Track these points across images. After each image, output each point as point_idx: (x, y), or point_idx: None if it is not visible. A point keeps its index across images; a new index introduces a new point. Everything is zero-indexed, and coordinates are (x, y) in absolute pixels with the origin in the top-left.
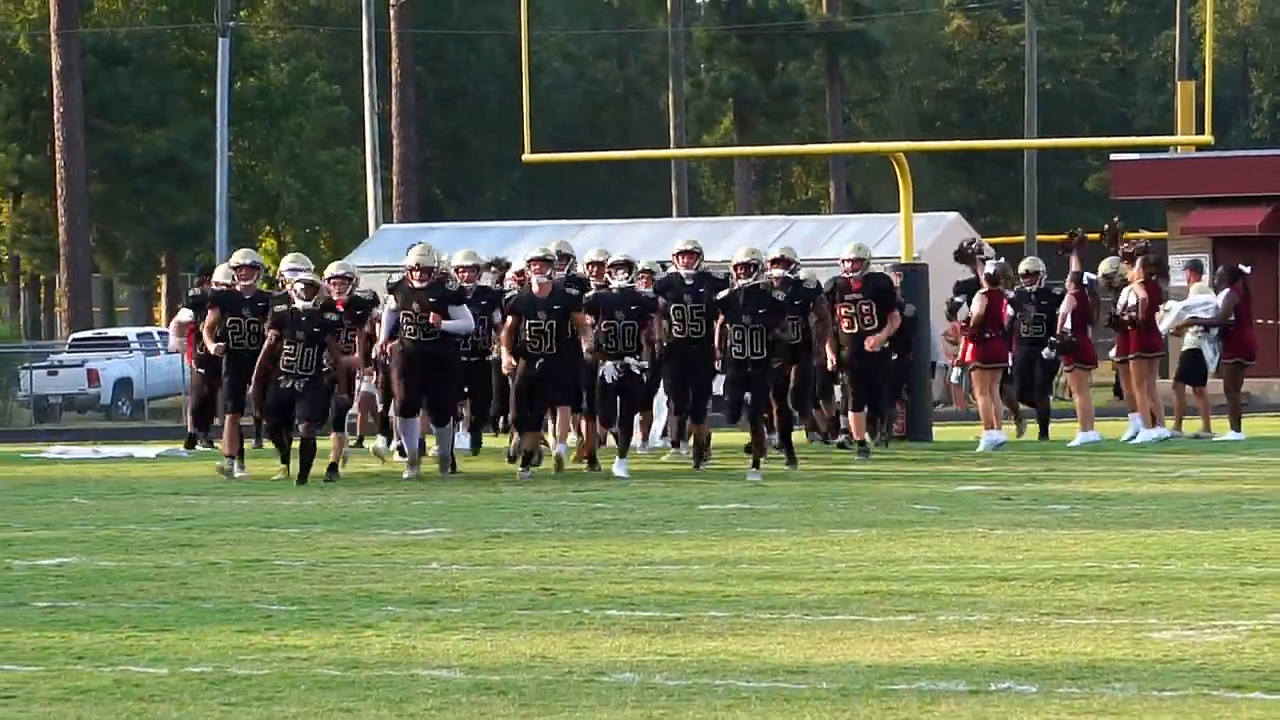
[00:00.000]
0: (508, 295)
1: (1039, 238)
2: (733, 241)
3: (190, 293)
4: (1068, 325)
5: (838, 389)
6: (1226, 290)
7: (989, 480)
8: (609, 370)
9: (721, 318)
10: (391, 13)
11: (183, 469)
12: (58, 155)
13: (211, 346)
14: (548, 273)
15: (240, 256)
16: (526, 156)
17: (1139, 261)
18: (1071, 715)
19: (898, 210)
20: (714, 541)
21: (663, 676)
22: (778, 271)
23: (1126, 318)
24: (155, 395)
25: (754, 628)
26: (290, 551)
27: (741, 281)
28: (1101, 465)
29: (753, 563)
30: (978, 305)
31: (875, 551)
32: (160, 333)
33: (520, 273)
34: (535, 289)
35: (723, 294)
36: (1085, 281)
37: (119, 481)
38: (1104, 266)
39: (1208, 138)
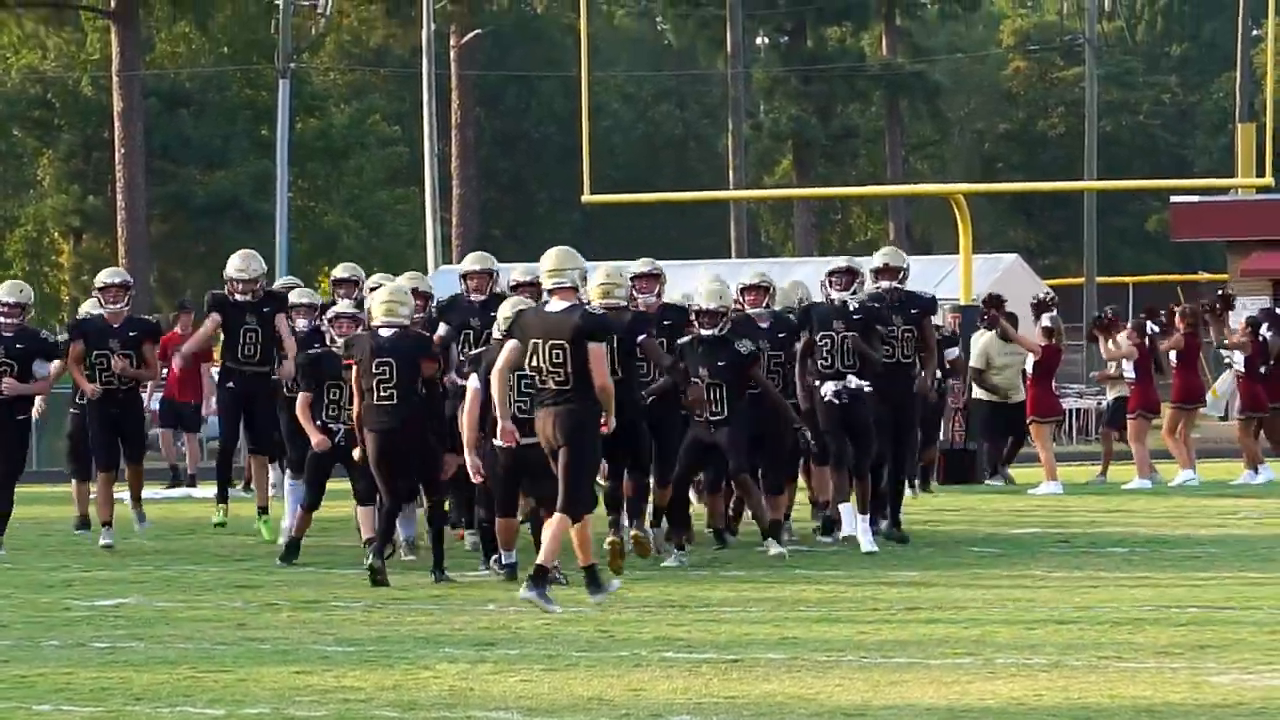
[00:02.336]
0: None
1: (1098, 279)
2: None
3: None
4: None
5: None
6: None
7: (1046, 524)
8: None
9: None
10: (451, 55)
11: (241, 509)
12: (119, 196)
13: (86, 388)
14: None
15: (107, 275)
16: (585, 198)
17: (1178, 312)
18: None
19: (957, 252)
20: (771, 583)
21: (720, 719)
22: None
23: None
24: (214, 436)
25: (811, 670)
26: (348, 593)
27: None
28: (1160, 508)
29: (810, 605)
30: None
31: (933, 594)
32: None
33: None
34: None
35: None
36: (1148, 330)
37: (178, 522)
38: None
39: (1268, 180)
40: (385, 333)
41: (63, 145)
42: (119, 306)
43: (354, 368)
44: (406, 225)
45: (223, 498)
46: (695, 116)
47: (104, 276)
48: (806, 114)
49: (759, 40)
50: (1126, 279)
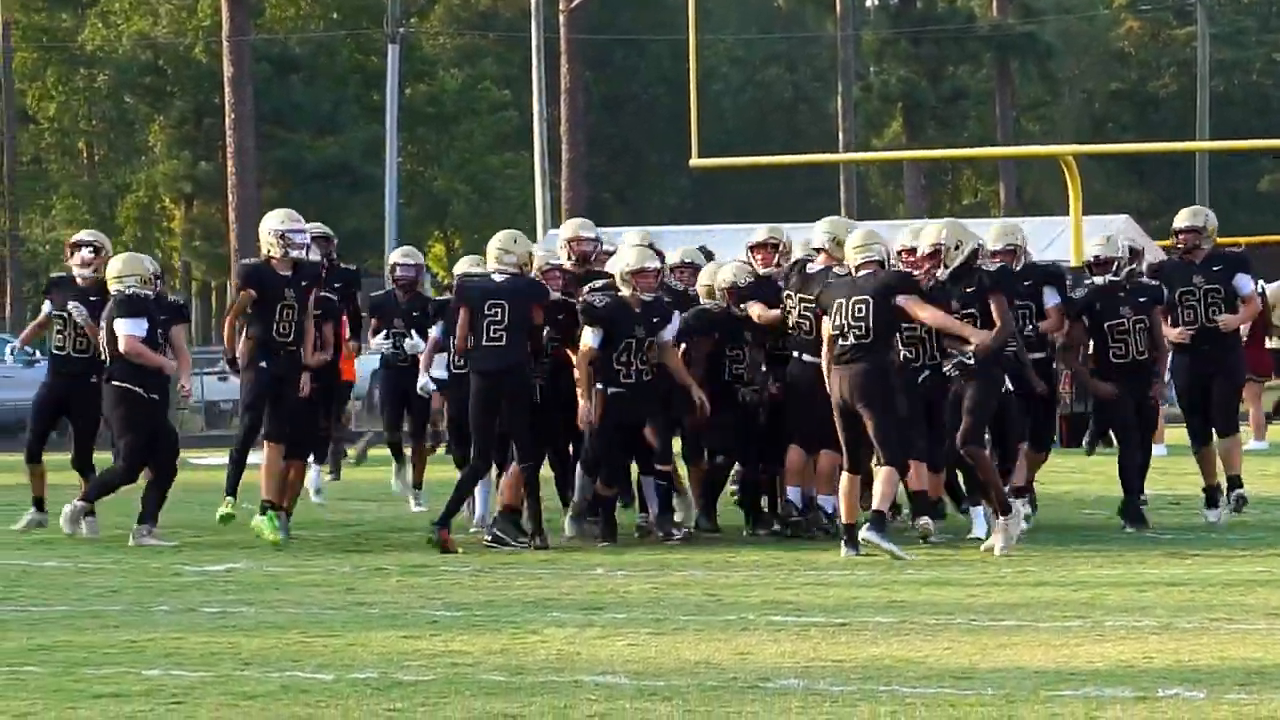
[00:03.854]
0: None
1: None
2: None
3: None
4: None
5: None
6: None
7: (1157, 485)
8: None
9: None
10: (561, 19)
11: (350, 473)
12: (229, 162)
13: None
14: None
15: (86, 234)
16: (694, 161)
17: None
18: None
19: (1067, 213)
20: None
21: (827, 682)
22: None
23: None
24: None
25: (919, 633)
26: (456, 558)
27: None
28: (1273, 470)
29: (918, 568)
30: None
31: (1041, 556)
32: None
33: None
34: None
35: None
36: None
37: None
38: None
39: None
40: (498, 278)
41: (174, 111)
42: (88, 271)
43: (462, 314)
44: (516, 190)
45: (232, 490)
46: (804, 79)
47: (83, 236)
48: (916, 76)
49: (868, 2)
50: (1240, 240)
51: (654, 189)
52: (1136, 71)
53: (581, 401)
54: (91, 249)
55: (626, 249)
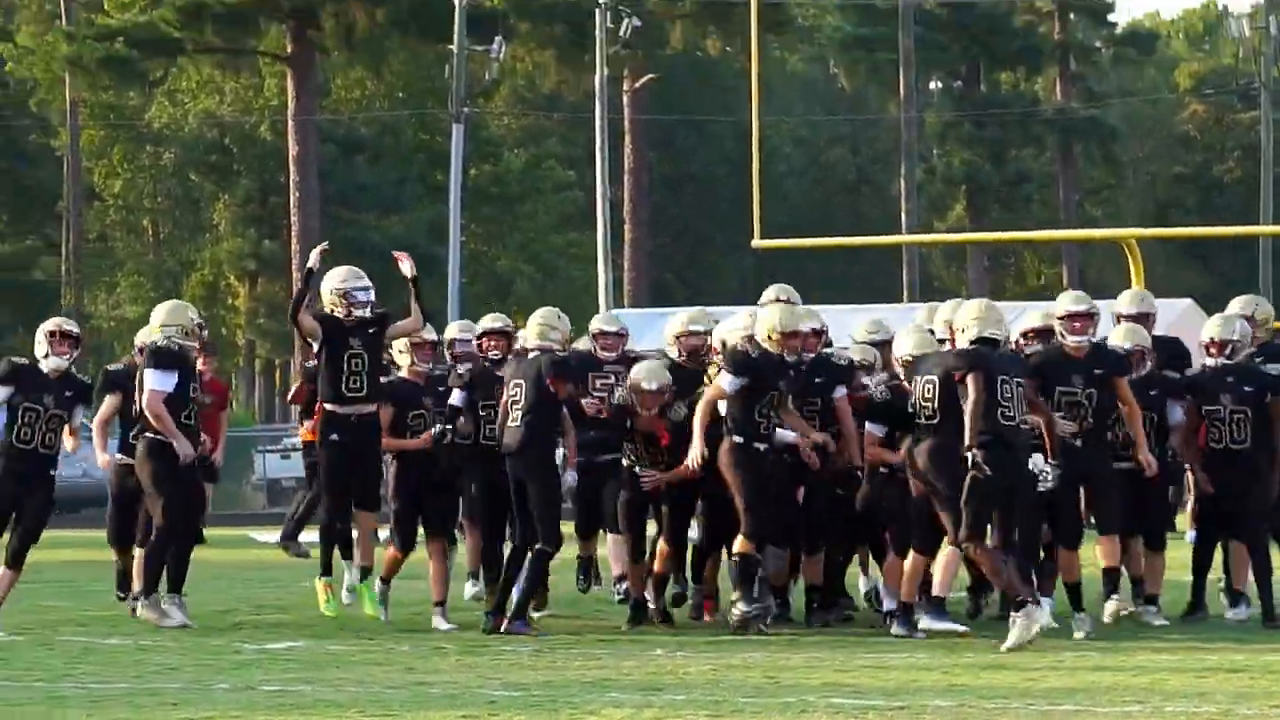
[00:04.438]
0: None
1: (1275, 324)
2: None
3: None
4: None
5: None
6: None
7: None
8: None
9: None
10: (625, 99)
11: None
12: (294, 241)
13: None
14: None
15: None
16: (756, 242)
17: None
18: None
19: None
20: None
21: None
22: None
23: None
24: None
25: (978, 716)
26: (515, 637)
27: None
28: None
29: (978, 652)
30: None
31: (1101, 641)
32: None
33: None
34: None
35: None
36: None
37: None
38: None
39: None
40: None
41: (239, 190)
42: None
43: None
44: (579, 270)
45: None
46: (867, 160)
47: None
48: (980, 158)
49: (932, 84)
50: None
51: (717, 269)
52: (1200, 155)
53: (695, 445)
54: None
55: (772, 309)
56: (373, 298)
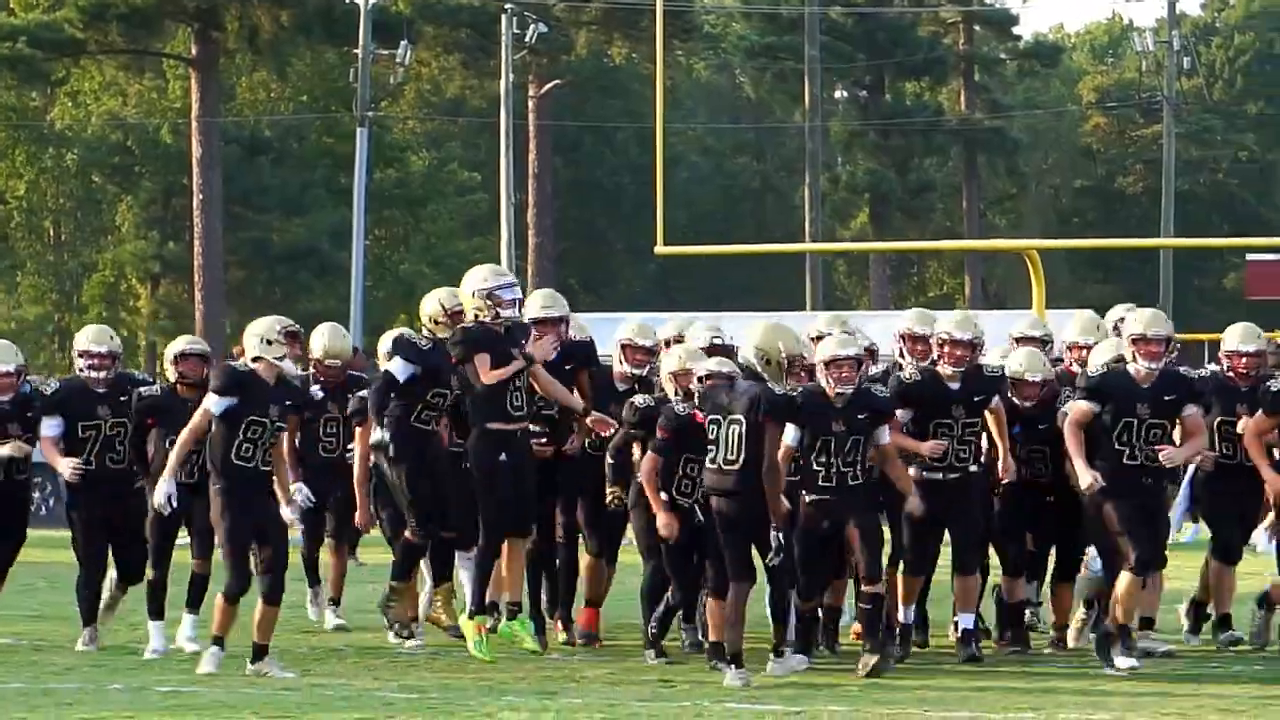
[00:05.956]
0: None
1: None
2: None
3: None
4: None
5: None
6: None
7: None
8: None
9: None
10: (530, 105)
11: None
12: (197, 243)
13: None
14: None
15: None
16: (659, 249)
17: None
18: None
19: (1031, 307)
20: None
21: None
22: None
23: None
24: None
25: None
26: (411, 640)
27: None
28: None
29: (1025, 692)
30: None
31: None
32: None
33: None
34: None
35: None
36: None
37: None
38: None
39: None
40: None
41: (142, 192)
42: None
43: None
44: None
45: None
46: (772, 169)
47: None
48: (884, 168)
49: (837, 94)
50: (1203, 337)
51: (620, 275)
52: (1103, 167)
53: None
54: None
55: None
56: (520, 294)
